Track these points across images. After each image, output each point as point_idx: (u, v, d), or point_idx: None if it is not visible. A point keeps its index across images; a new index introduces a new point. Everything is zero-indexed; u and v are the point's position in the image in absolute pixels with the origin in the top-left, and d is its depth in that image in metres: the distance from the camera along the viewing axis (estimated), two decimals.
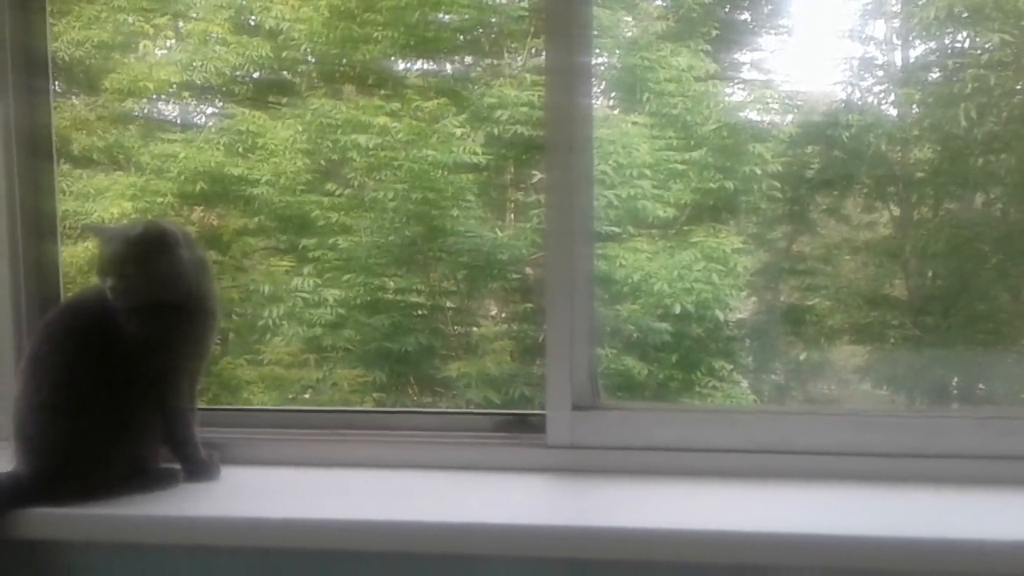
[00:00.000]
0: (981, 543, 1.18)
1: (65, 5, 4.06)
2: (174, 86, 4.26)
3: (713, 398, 3.78)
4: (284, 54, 4.24)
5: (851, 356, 4.06)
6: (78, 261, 3.18)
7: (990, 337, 3.71)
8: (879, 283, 4.08)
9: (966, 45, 3.92)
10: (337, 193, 4.10)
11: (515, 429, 1.55)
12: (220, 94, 4.34)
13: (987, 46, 3.79)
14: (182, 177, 4.06)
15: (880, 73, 4.08)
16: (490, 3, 4.32)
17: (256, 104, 4.28)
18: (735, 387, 3.90)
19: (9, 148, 1.62)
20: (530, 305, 4.05)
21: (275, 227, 4.20)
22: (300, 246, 4.05)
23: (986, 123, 3.77)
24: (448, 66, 4.47)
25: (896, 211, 4.11)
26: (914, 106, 4.10)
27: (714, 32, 4.03)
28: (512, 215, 4.21)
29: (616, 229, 3.79)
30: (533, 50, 4.08)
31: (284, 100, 4.30)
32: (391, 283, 4.02)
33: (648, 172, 3.80)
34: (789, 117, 4.10)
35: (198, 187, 4.06)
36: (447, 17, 4.26)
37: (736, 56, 4.30)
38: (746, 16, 4.43)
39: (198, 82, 4.26)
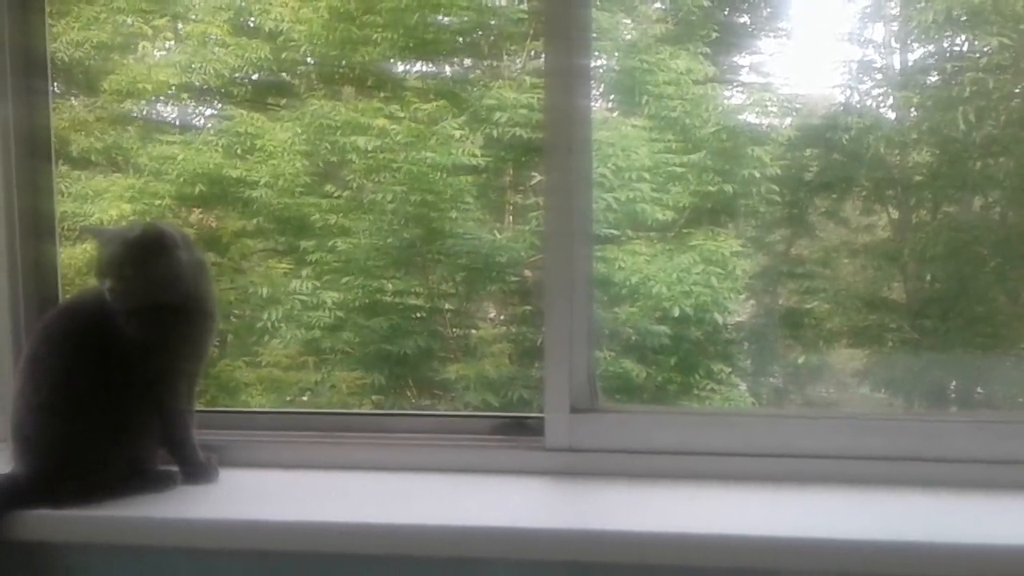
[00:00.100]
0: (980, 547, 1.18)
1: (64, 6, 4.05)
2: (173, 88, 4.25)
3: (711, 401, 3.77)
4: (283, 56, 4.23)
5: (849, 359, 4.06)
6: (76, 263, 3.17)
7: (988, 340, 3.71)
8: (877, 286, 4.07)
9: (965, 48, 3.92)
10: (336, 195, 4.09)
11: (513, 432, 1.55)
12: (219, 96, 4.33)
13: (986, 50, 3.78)
14: (181, 179, 4.05)
15: (879, 76, 4.07)
16: (489, 5, 4.32)
17: (255, 106, 4.27)
18: (734, 390, 3.89)
19: (8, 149, 1.63)
20: (529, 307, 4.04)
21: (274, 229, 4.19)
22: (299, 248, 4.05)
23: (984, 126, 3.77)
24: (447, 68, 4.46)
25: (895, 214, 4.11)
26: (913, 109, 4.09)
27: (713, 35, 4.02)
28: (511, 217, 4.20)
29: (615, 231, 3.79)
30: (532, 52, 4.07)
31: (283, 102, 4.29)
32: (390, 285, 4.02)
33: (647, 175, 3.79)
34: (788, 120, 4.08)
35: (197, 189, 4.05)
36: (446, 19, 4.26)
37: (735, 59, 4.30)
38: (745, 19, 4.43)
39: (197, 84, 4.25)
